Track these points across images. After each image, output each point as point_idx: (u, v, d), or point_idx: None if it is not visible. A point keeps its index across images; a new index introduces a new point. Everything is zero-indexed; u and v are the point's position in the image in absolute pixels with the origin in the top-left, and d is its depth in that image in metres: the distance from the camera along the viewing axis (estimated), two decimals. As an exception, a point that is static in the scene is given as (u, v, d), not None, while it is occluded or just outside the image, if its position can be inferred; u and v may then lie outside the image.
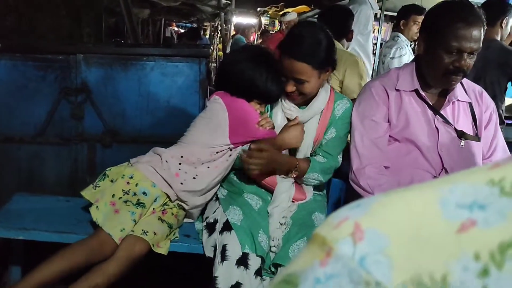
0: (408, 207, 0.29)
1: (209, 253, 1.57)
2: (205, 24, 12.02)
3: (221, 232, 1.56)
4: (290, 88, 1.68)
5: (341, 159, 1.83)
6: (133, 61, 2.54)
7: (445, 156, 1.70)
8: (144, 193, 1.64)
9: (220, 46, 9.01)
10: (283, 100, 1.78)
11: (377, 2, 3.54)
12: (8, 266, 1.81)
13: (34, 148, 2.48)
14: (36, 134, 2.47)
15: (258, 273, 1.49)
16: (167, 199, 1.71)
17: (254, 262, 1.49)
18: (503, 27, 2.84)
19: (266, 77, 1.71)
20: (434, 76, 1.69)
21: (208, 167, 1.72)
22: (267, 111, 1.82)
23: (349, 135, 1.88)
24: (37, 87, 2.44)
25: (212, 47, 10.44)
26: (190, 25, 15.12)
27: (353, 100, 2.31)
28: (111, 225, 1.54)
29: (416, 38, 3.98)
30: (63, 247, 1.52)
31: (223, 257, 1.48)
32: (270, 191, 1.74)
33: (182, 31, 16.02)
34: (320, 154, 1.80)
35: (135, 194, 1.63)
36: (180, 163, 1.70)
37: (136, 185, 1.65)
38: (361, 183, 1.74)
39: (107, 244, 1.52)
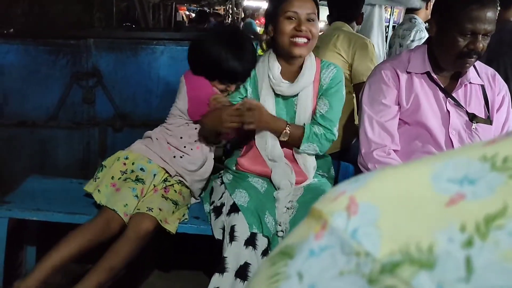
0: (401, 181, 0.29)
1: (218, 235, 1.59)
2: (216, 8, 11.93)
3: (228, 214, 1.57)
4: (305, 27, 1.66)
5: (337, 132, 1.79)
6: (143, 45, 2.55)
7: (456, 139, 1.69)
8: (141, 169, 1.70)
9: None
10: (271, 77, 1.75)
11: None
12: (23, 246, 1.86)
13: (46, 132, 2.52)
14: (48, 118, 2.51)
15: (265, 254, 1.51)
16: (166, 174, 1.76)
17: (262, 242, 1.51)
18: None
19: (226, 56, 1.72)
20: (447, 59, 1.66)
21: (192, 149, 1.80)
22: (251, 96, 1.80)
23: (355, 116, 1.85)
24: (48, 71, 2.46)
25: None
26: (201, 9, 15.04)
27: (359, 84, 2.31)
28: (114, 201, 1.59)
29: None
30: (75, 227, 1.55)
31: (232, 238, 1.50)
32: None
33: (193, 15, 15.96)
34: (316, 124, 1.76)
35: (132, 171, 1.70)
36: (168, 142, 1.80)
37: (133, 163, 1.72)
38: (370, 167, 1.74)
39: (114, 220, 1.56)
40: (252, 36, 7.30)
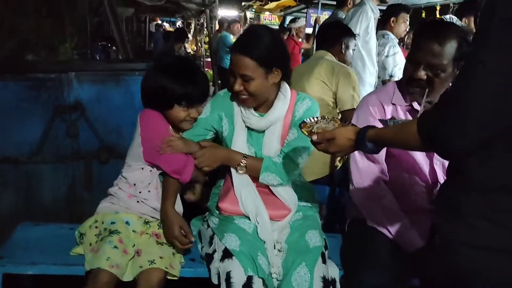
0: None
1: (215, 280, 1.57)
2: (189, 20, 11.91)
3: (222, 260, 1.57)
4: (238, 86, 1.68)
5: (302, 161, 1.78)
6: (125, 76, 2.54)
7: (440, 169, 1.75)
8: (112, 223, 1.69)
9: (207, 39, 8.97)
10: (242, 110, 1.79)
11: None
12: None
13: (30, 168, 2.48)
14: (31, 154, 2.47)
15: None
16: (142, 218, 1.76)
17: (258, 285, 1.52)
18: None
19: (178, 78, 1.72)
20: (403, 86, 1.75)
21: (149, 191, 1.77)
22: (228, 129, 1.82)
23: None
24: (30, 107, 2.42)
25: (200, 44, 10.38)
26: (174, 19, 14.97)
27: (347, 111, 2.36)
28: (96, 261, 1.55)
29: (403, 35, 4.03)
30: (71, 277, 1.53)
31: (228, 284, 1.50)
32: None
33: (166, 24, 15.88)
34: (280, 155, 1.77)
35: (105, 229, 1.68)
36: (125, 191, 1.78)
37: (102, 222, 1.71)
38: (361, 197, 1.79)
39: (101, 276, 1.51)
40: (226, 49, 7.30)
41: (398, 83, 1.83)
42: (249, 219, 1.71)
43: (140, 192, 1.76)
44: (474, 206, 1.04)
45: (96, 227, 1.71)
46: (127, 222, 1.71)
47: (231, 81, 1.72)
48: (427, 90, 1.64)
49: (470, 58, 0.99)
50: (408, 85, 1.71)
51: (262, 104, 1.79)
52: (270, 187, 1.79)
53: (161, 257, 1.62)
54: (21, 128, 2.44)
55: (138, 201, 1.76)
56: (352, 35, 2.69)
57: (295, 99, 1.82)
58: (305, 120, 1.50)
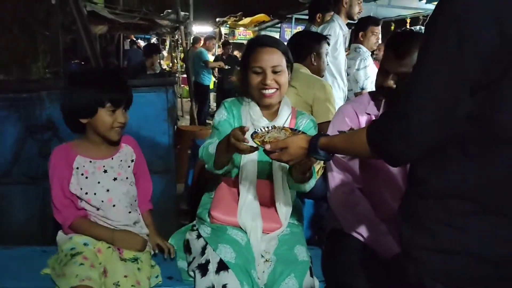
0: None
1: None
2: (164, 36, 11.91)
3: (217, 272, 1.53)
4: (270, 80, 1.73)
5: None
6: (98, 94, 2.50)
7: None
8: (71, 249, 1.63)
9: (182, 55, 8.99)
10: (251, 113, 1.80)
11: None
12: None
13: (0, 189, 2.41)
14: (2, 175, 2.40)
15: None
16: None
17: None
18: None
19: (97, 82, 1.70)
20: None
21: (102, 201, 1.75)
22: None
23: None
24: (1, 127, 2.37)
25: (175, 60, 10.37)
26: (148, 36, 14.93)
27: (322, 124, 2.38)
28: (65, 282, 1.50)
29: (375, 48, 4.12)
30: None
31: None
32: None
33: (142, 42, 15.81)
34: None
35: (66, 255, 1.61)
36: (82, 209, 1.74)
37: (62, 251, 1.65)
38: (336, 205, 1.82)
39: None
40: (202, 64, 7.30)
41: (373, 93, 1.87)
42: (242, 230, 1.70)
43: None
44: (432, 211, 1.06)
45: (57, 259, 1.66)
46: (85, 244, 1.66)
47: (252, 80, 1.75)
48: (383, 101, 1.71)
49: (413, 69, 1.03)
50: (378, 94, 1.74)
51: (268, 109, 1.82)
52: (276, 199, 1.77)
53: (125, 276, 1.56)
54: (-9, 148, 2.38)
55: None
56: (321, 40, 2.70)
57: (296, 114, 1.89)
58: (256, 130, 1.53)
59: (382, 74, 1.71)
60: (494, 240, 1.00)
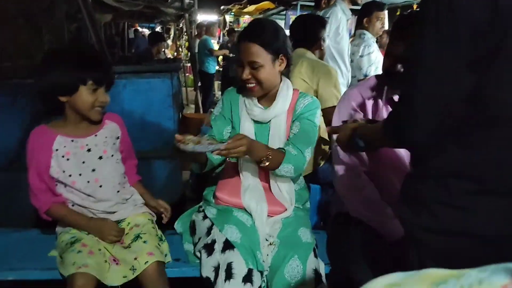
0: None
1: (208, 273, 1.54)
2: (168, 25, 11.86)
3: (223, 251, 1.56)
4: (245, 75, 1.69)
5: (308, 155, 1.76)
6: (104, 80, 2.51)
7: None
8: (72, 237, 1.63)
9: (187, 44, 8.96)
10: (246, 102, 1.80)
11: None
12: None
13: (10, 175, 2.43)
14: (10, 161, 2.42)
15: None
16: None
17: (257, 278, 1.52)
18: None
19: (77, 58, 1.61)
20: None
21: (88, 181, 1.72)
22: (234, 121, 1.83)
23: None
24: (8, 113, 2.38)
25: (180, 49, 10.34)
26: (153, 25, 14.89)
27: (328, 109, 2.37)
28: (65, 269, 1.50)
29: (380, 33, 4.08)
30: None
31: (229, 275, 1.49)
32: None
33: (146, 30, 15.77)
34: (289, 146, 1.75)
35: (66, 244, 1.61)
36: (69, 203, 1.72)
37: (62, 241, 1.64)
38: (343, 189, 1.82)
39: (76, 281, 1.44)
40: (207, 52, 7.27)
41: (379, 77, 1.86)
42: (247, 212, 1.72)
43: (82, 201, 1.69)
44: (432, 192, 1.06)
45: (58, 247, 1.66)
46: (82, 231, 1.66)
47: (238, 71, 1.73)
48: (385, 87, 1.71)
49: (410, 59, 1.05)
50: (385, 79, 1.73)
51: (266, 95, 1.80)
52: (271, 184, 1.79)
53: (135, 258, 1.58)
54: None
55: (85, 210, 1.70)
56: (326, 24, 2.71)
57: (297, 96, 1.85)
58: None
59: (388, 58, 1.70)
60: (496, 220, 0.99)
